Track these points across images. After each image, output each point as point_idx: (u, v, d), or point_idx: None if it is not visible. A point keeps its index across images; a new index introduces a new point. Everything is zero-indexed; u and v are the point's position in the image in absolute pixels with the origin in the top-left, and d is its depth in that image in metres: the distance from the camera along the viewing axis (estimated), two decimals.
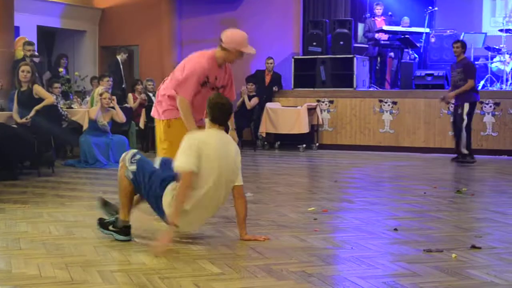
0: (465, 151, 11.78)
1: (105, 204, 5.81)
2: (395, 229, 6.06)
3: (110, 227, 5.50)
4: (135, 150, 5.63)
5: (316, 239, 5.66)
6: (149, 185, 5.32)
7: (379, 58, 16.30)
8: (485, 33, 16.07)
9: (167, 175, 5.32)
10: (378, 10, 16.10)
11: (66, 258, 4.96)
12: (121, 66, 14.69)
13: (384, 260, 4.98)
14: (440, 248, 5.26)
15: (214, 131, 5.41)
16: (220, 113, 5.41)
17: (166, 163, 5.51)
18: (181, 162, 5.14)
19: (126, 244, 5.33)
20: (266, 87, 14.90)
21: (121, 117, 11.36)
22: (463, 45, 12.04)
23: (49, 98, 10.27)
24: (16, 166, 9.54)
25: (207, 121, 5.49)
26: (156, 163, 5.57)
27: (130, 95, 14.01)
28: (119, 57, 14.63)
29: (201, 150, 5.16)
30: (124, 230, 5.46)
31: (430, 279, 4.42)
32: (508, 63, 14.22)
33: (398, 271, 4.67)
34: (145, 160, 5.51)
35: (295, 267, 4.75)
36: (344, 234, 5.93)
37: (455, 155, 12.01)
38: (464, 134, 11.78)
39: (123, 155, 5.55)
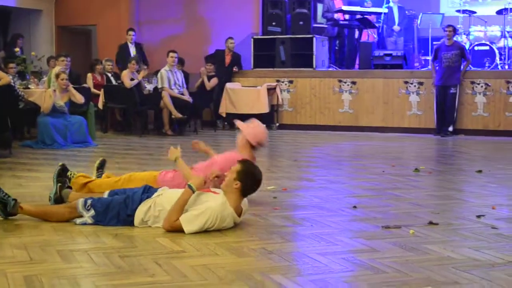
0: (451, 129, 13.05)
1: None
2: (354, 207, 6.15)
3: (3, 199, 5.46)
4: (82, 199, 5.46)
5: (276, 217, 5.72)
6: (122, 210, 5.32)
7: (338, 39, 16.37)
8: (443, 14, 16.26)
9: (140, 198, 5.36)
10: None
11: (24, 238, 4.94)
12: None
13: (343, 236, 5.04)
14: (398, 224, 5.35)
15: (233, 213, 5.17)
16: (252, 188, 5.31)
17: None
18: (191, 229, 5.02)
19: (86, 225, 5.31)
20: (226, 67, 14.88)
21: (78, 98, 11.26)
22: (455, 29, 13.25)
23: (5, 78, 10.15)
24: None
25: (232, 187, 5.20)
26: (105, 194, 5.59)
27: (89, 75, 13.92)
28: None
29: (214, 225, 5.08)
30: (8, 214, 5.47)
31: (389, 255, 4.50)
32: (465, 43, 14.40)
33: (357, 247, 4.74)
34: (100, 199, 5.45)
35: (255, 244, 4.80)
36: (304, 212, 5.99)
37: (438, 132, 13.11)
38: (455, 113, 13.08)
39: (78, 204, 5.39)
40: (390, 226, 5.30)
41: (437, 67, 13.38)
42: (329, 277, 4.02)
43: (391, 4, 16.13)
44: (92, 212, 5.33)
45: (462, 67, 13.33)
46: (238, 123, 6.40)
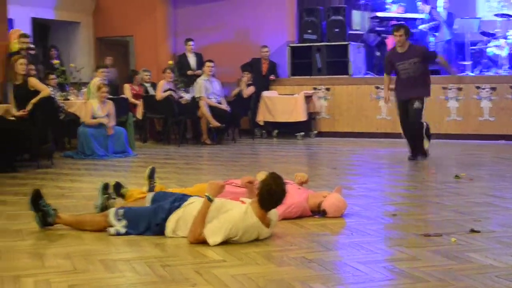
0: (426, 147, 10.36)
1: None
2: (394, 215, 6.12)
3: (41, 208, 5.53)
4: (113, 208, 5.56)
5: (316, 226, 5.72)
6: (152, 220, 5.35)
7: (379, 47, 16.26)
8: (480, 18, 16.08)
9: (170, 207, 5.36)
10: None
11: (68, 247, 5.00)
12: None
13: (383, 245, 5.03)
14: (439, 232, 5.31)
15: (257, 222, 5.10)
16: (269, 201, 5.13)
17: (158, 197, 5.60)
18: (215, 240, 4.98)
19: (120, 235, 5.35)
20: (263, 76, 14.91)
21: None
22: (407, 31, 10.21)
23: (45, 91, 10.30)
24: (15, 159, 9.55)
25: (255, 200, 5.15)
26: (148, 201, 5.63)
27: (127, 86, 14.04)
28: None
29: (237, 235, 5.05)
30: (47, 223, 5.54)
31: (429, 263, 4.46)
32: (504, 48, 14.22)
33: (397, 255, 4.72)
34: (131, 209, 5.51)
35: (296, 253, 4.79)
36: (344, 220, 5.98)
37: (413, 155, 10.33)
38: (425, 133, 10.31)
39: (110, 214, 5.46)
40: (430, 234, 5.26)
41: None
42: (370, 286, 4.01)
43: (439, 9, 15.99)
44: (124, 222, 5.38)
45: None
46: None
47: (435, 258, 4.59)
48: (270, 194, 5.06)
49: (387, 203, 6.81)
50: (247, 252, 4.79)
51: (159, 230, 5.31)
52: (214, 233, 4.99)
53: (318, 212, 6.06)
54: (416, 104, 10.03)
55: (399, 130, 13.83)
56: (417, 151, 10.27)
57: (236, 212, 5.09)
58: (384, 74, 10.90)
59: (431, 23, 15.66)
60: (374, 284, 4.04)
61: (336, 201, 6.08)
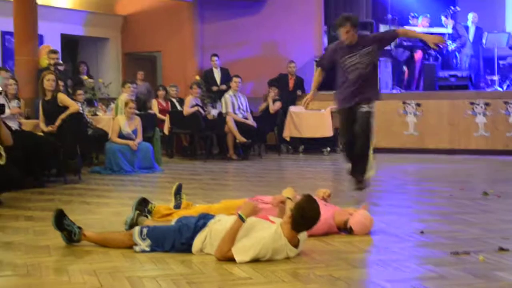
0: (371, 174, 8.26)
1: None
2: (422, 232, 6.06)
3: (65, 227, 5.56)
4: (138, 227, 5.55)
5: (342, 243, 5.68)
6: (177, 239, 5.34)
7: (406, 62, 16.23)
8: (509, 33, 15.98)
9: (195, 226, 5.36)
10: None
11: (94, 264, 5.02)
12: None
13: (411, 263, 4.98)
14: (467, 250, 5.25)
15: (287, 244, 5.08)
16: (302, 225, 5.12)
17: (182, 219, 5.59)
18: (243, 259, 4.96)
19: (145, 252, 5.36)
20: (290, 91, 14.90)
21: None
22: (355, 22, 7.87)
23: (74, 106, 10.36)
24: (43, 174, 9.62)
25: (287, 218, 5.12)
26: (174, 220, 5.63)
27: (154, 101, 14.10)
28: None
29: (266, 256, 5.02)
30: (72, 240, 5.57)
31: (458, 282, 4.41)
32: None
33: (425, 274, 4.67)
34: (156, 228, 5.51)
35: (322, 271, 4.76)
36: (371, 237, 5.94)
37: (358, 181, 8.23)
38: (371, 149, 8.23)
39: (134, 234, 5.45)
40: (459, 252, 5.20)
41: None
42: None
43: (468, 23, 15.93)
44: (148, 241, 5.37)
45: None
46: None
47: (464, 277, 4.53)
48: (304, 218, 5.05)
49: (414, 220, 6.76)
50: (274, 270, 4.77)
51: (184, 248, 5.30)
52: (243, 252, 4.97)
53: (345, 229, 6.02)
54: (365, 108, 8.05)
55: (427, 146, 13.86)
56: (357, 175, 8.15)
57: (266, 233, 5.06)
58: (318, 69, 8.77)
59: (457, 41, 15.62)
60: None
61: (362, 218, 6.03)
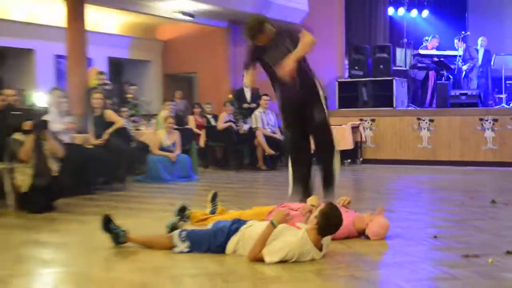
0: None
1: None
2: (435, 237, 6.02)
3: (112, 231, 5.61)
4: (177, 230, 5.58)
5: (362, 246, 5.67)
6: (212, 242, 5.36)
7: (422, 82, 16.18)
8: None
9: (228, 230, 5.37)
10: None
11: (139, 263, 5.07)
12: None
13: (425, 265, 4.96)
14: (477, 253, 5.21)
15: (312, 248, 5.08)
16: (327, 231, 5.13)
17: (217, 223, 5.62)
18: (272, 260, 4.96)
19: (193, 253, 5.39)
20: None
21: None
22: (263, 23, 6.86)
23: (119, 122, 10.49)
24: (92, 183, 9.71)
25: (313, 224, 5.10)
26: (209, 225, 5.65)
27: (191, 117, 14.19)
28: None
29: (293, 258, 5.00)
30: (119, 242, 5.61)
31: (469, 282, 4.39)
32: None
33: (438, 275, 4.64)
34: (193, 231, 5.54)
35: (344, 271, 4.76)
36: (387, 241, 5.91)
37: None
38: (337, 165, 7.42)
39: (174, 237, 5.48)
40: (469, 255, 5.16)
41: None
42: None
43: (478, 47, 15.88)
44: (187, 243, 5.39)
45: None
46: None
47: (474, 278, 4.50)
48: (328, 224, 5.07)
49: (428, 226, 6.72)
50: (300, 270, 4.78)
51: (219, 250, 5.32)
52: (272, 253, 4.98)
53: (363, 234, 6.02)
54: (319, 116, 7.07)
55: (439, 158, 13.78)
56: (326, 180, 7.42)
57: (294, 238, 5.06)
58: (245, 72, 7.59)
59: (469, 63, 15.56)
60: None
61: (378, 229, 5.99)
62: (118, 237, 5.60)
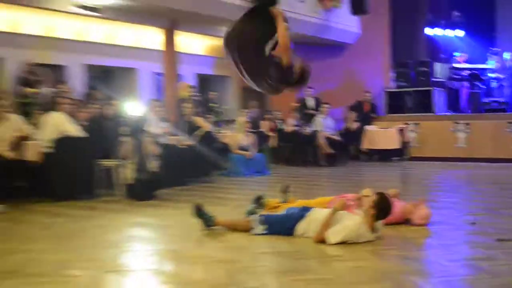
0: None
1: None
2: (473, 223, 5.90)
3: (202, 216, 5.66)
4: (256, 215, 5.63)
5: (410, 231, 5.60)
6: (283, 225, 5.37)
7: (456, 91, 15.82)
8: None
9: (297, 216, 5.38)
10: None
11: (225, 242, 5.15)
12: None
13: (464, 247, 4.88)
14: (510, 237, 5.08)
15: (368, 231, 5.08)
16: (380, 216, 5.14)
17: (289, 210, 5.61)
18: (334, 241, 4.97)
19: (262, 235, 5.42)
20: (366, 114, 14.78)
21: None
22: None
23: (206, 126, 10.62)
24: (185, 176, 9.83)
25: (368, 212, 5.11)
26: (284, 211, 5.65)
27: (263, 122, 14.22)
28: None
29: (351, 239, 5.00)
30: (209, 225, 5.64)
31: (502, 262, 4.29)
32: None
33: (476, 255, 4.55)
34: (268, 216, 5.55)
35: (395, 251, 4.72)
36: (431, 227, 5.81)
37: None
38: None
39: (253, 220, 5.53)
40: (504, 239, 5.04)
41: None
42: (455, 279, 3.89)
43: (507, 60, 15.43)
44: (264, 226, 5.43)
45: None
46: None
47: (507, 258, 4.40)
48: (381, 211, 5.11)
49: (466, 214, 6.57)
50: (358, 250, 4.77)
51: (289, 233, 5.34)
52: (334, 235, 5.00)
53: (409, 221, 5.93)
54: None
55: (474, 156, 13.43)
56: None
57: (352, 222, 5.08)
58: None
59: (500, 74, 15.13)
60: (458, 278, 3.92)
61: (421, 220, 5.89)
62: (208, 221, 5.68)
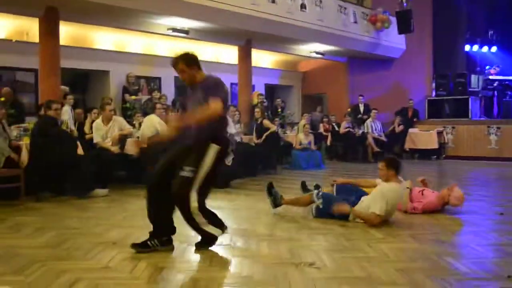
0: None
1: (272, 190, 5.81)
2: (501, 213, 5.69)
3: (272, 194, 5.68)
4: (316, 191, 5.59)
5: (446, 219, 5.46)
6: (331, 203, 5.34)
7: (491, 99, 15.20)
8: None
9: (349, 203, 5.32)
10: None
11: (288, 224, 5.12)
12: None
13: (494, 234, 4.71)
14: None
15: (397, 185, 5.16)
16: (398, 167, 5.23)
17: (339, 188, 5.56)
18: (381, 208, 4.98)
19: (323, 217, 5.40)
20: (409, 118, 14.46)
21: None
22: (187, 59, 4.17)
23: (273, 128, 10.64)
24: (254, 169, 9.91)
25: (388, 176, 5.15)
26: (334, 190, 5.60)
27: (321, 125, 14.14)
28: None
29: (388, 200, 5.03)
30: (276, 205, 5.65)
31: None
32: None
33: (504, 242, 4.40)
34: (325, 194, 5.51)
35: (433, 236, 4.62)
36: (465, 215, 5.65)
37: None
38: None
39: (313, 194, 5.51)
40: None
41: None
42: (485, 261, 3.78)
43: None
44: (321, 200, 5.39)
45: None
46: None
47: None
48: (395, 166, 5.22)
49: (496, 205, 6.33)
50: (399, 234, 4.68)
51: (343, 217, 5.26)
52: (376, 206, 4.99)
53: (447, 204, 5.77)
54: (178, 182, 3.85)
55: (504, 155, 12.88)
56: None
57: (383, 188, 5.12)
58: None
59: None
60: (489, 260, 3.81)
61: (457, 201, 5.78)
62: (276, 199, 5.69)
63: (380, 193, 5.00)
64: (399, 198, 5.11)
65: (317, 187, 6.34)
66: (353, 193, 5.44)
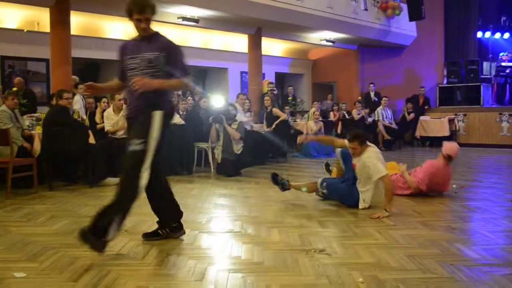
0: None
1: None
2: None
3: (279, 182, 5.69)
4: (321, 179, 5.57)
5: (457, 206, 5.43)
6: (344, 199, 5.36)
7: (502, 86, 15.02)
8: None
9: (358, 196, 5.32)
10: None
11: (296, 212, 5.14)
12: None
13: (504, 221, 4.68)
14: None
15: (371, 148, 5.26)
16: (362, 137, 5.27)
17: (344, 153, 5.54)
18: (384, 169, 5.04)
19: (331, 206, 5.39)
20: (420, 106, 14.36)
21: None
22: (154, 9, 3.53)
23: (283, 116, 10.62)
24: (264, 157, 9.92)
25: (362, 148, 5.21)
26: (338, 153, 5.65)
27: (331, 113, 14.09)
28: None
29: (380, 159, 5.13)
30: (284, 189, 5.68)
31: None
32: None
33: None
34: (330, 181, 5.51)
35: (443, 223, 4.60)
36: (476, 202, 5.62)
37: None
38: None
39: (318, 182, 5.53)
40: None
41: None
42: (495, 247, 3.75)
43: None
44: (325, 189, 5.43)
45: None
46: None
47: None
48: (359, 136, 5.24)
49: (507, 193, 6.28)
50: (410, 221, 4.67)
51: (353, 206, 5.27)
52: (377, 170, 5.02)
53: (450, 159, 5.88)
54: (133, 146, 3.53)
55: None
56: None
57: (370, 155, 5.14)
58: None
59: None
60: (498, 246, 3.78)
61: (451, 151, 5.94)
62: (283, 185, 5.71)
63: (370, 163, 5.01)
64: (380, 155, 5.14)
65: (327, 165, 6.38)
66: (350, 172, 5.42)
